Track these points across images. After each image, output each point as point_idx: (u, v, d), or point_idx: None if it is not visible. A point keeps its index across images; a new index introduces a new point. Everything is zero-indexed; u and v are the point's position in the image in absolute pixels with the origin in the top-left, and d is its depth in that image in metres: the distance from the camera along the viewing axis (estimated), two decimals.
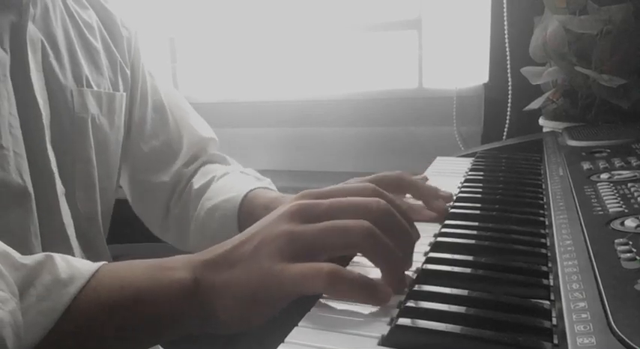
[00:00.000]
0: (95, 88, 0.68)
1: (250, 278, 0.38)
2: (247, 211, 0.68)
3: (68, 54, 0.65)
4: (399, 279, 0.39)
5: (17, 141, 0.57)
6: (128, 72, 0.76)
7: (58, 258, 0.39)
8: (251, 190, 0.69)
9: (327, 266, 0.37)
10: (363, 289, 0.37)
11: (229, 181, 0.75)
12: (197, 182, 0.77)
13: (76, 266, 0.39)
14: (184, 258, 0.41)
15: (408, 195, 0.62)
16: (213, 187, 0.75)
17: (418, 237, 0.44)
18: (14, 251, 0.39)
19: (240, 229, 0.67)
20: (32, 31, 0.60)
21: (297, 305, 0.39)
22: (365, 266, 0.43)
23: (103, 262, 0.41)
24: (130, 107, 0.77)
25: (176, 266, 0.40)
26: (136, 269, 0.40)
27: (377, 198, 0.41)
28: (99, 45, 0.71)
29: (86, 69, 0.67)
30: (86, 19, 0.70)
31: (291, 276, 0.37)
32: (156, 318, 0.39)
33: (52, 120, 0.62)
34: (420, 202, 0.60)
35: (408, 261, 0.41)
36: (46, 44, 0.62)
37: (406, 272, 0.41)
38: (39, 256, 0.39)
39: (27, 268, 0.37)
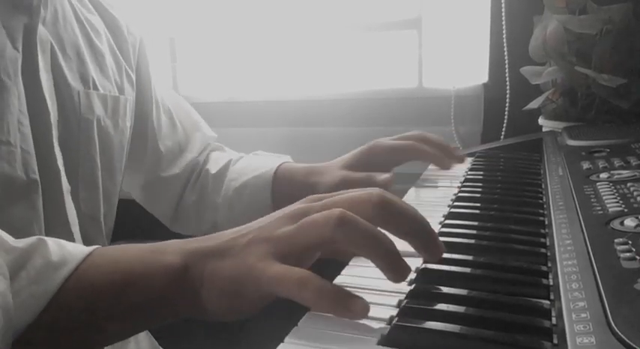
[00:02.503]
0: (101, 91, 0.69)
1: (236, 273, 0.38)
2: (283, 182, 0.73)
3: (76, 56, 0.67)
4: (394, 266, 0.37)
5: (26, 138, 0.58)
6: (133, 76, 0.78)
7: (51, 241, 0.39)
8: (280, 165, 0.75)
9: (299, 271, 0.36)
10: (332, 300, 0.35)
11: (251, 161, 0.81)
12: (213, 167, 0.82)
13: (68, 250, 0.39)
14: (179, 243, 0.41)
15: None
16: (234, 169, 0.81)
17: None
18: (7, 234, 0.39)
19: (275, 201, 0.74)
20: (42, 32, 0.61)
21: (298, 304, 0.39)
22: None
23: (97, 246, 0.41)
24: (144, 111, 0.80)
25: (168, 251, 0.40)
26: (129, 253, 0.41)
27: (369, 191, 0.39)
28: (105, 49, 0.73)
29: (93, 71, 0.69)
30: (93, 24, 0.72)
31: (267, 277, 0.36)
32: (145, 302, 0.39)
33: (59, 119, 0.63)
34: None
35: (432, 238, 0.39)
36: (54, 46, 0.63)
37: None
38: (31, 239, 0.39)
39: (18, 251, 0.38)
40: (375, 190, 0.40)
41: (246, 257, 0.38)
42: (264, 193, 0.74)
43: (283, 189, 0.74)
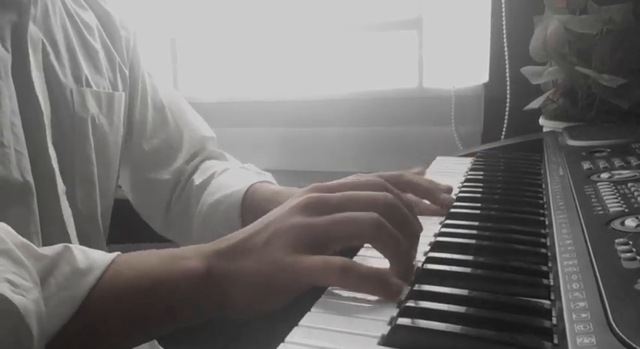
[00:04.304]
0: (94, 88, 0.69)
1: (263, 268, 0.39)
2: (250, 205, 0.69)
3: (68, 54, 0.66)
4: (406, 268, 0.41)
5: (19, 139, 0.57)
6: (127, 72, 0.76)
7: (75, 248, 0.40)
8: (252, 185, 0.71)
9: (339, 260, 0.39)
10: (374, 282, 0.38)
11: (230, 176, 0.77)
12: (198, 178, 0.78)
13: (92, 257, 0.40)
14: (197, 248, 0.42)
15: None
16: (214, 182, 0.76)
17: (421, 228, 0.46)
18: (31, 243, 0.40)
19: (244, 223, 0.69)
20: (33, 30, 0.60)
21: (297, 304, 0.39)
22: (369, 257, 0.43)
23: (117, 252, 0.42)
24: (130, 107, 0.78)
25: (189, 256, 0.41)
26: (151, 259, 0.42)
27: (385, 193, 0.44)
28: (98, 45, 0.72)
29: (85, 69, 0.68)
30: (85, 20, 0.71)
31: (304, 268, 0.38)
32: (170, 306, 0.40)
33: (53, 118, 0.62)
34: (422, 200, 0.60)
35: (413, 252, 0.44)
36: (46, 44, 0.62)
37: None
38: (57, 247, 0.39)
39: (47, 258, 0.38)
40: (394, 198, 0.44)
41: (271, 251, 0.40)
42: (234, 213, 0.70)
43: (251, 209, 0.69)
